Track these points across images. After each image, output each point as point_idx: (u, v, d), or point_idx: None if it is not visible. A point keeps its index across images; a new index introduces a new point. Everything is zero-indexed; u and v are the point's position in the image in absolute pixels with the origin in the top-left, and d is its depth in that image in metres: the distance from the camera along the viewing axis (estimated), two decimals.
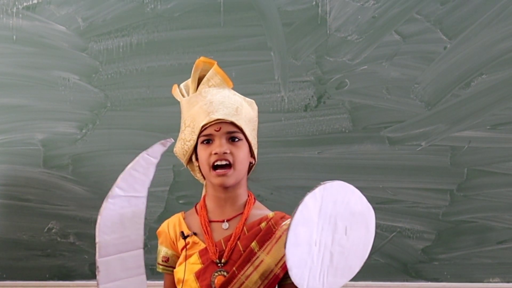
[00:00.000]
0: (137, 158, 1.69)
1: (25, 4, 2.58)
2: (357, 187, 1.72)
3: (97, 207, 2.55)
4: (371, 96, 2.56)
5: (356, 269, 1.67)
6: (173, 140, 1.80)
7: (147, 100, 2.58)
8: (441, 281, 2.56)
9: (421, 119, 2.55)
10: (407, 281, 2.55)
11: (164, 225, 1.93)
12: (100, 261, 1.63)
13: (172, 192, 2.57)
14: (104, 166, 2.58)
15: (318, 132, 2.56)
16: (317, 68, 2.56)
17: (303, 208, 1.58)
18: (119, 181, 1.67)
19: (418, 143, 2.55)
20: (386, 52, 2.55)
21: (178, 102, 2.63)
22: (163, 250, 1.92)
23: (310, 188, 1.61)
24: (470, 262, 2.56)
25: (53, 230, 2.57)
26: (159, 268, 1.94)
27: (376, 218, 2.52)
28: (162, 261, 1.92)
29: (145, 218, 2.55)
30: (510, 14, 2.54)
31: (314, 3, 2.56)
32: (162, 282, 2.53)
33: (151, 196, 2.55)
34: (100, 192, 2.58)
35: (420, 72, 2.55)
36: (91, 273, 2.56)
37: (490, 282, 2.56)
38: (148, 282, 2.57)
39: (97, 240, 1.64)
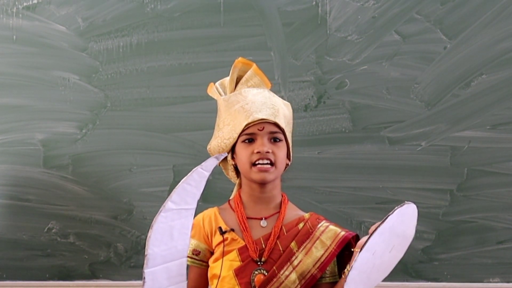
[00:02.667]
0: (191, 173, 1.70)
1: (25, 4, 2.58)
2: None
3: (97, 207, 2.58)
4: (371, 96, 2.56)
5: (375, 283, 1.73)
6: (227, 154, 1.83)
7: (147, 100, 2.58)
8: (441, 281, 2.56)
9: (421, 119, 2.55)
10: (407, 281, 2.55)
11: (199, 218, 1.90)
12: (147, 272, 1.64)
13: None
14: (104, 166, 2.58)
15: (318, 132, 2.56)
16: (317, 68, 2.56)
17: (392, 218, 1.65)
18: (173, 195, 1.67)
19: (418, 143, 2.56)
20: (386, 52, 2.55)
21: (178, 102, 2.63)
22: (193, 243, 1.89)
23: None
24: (470, 262, 2.56)
25: (53, 230, 2.57)
26: (188, 261, 1.91)
27: (376, 218, 2.52)
28: (193, 254, 1.89)
29: (145, 218, 2.57)
30: (510, 14, 2.54)
31: (314, 3, 2.56)
32: None
33: (151, 196, 2.57)
34: (100, 192, 2.58)
35: (420, 72, 2.55)
36: (91, 273, 2.57)
37: (490, 282, 2.56)
38: None
39: (146, 252, 1.64)
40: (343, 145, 2.56)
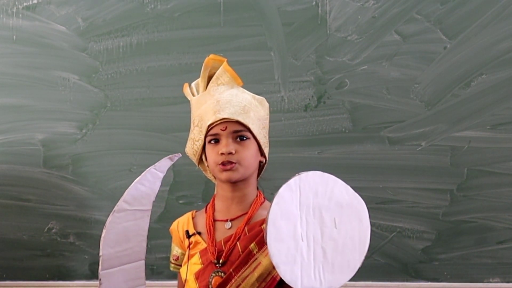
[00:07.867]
0: (144, 173, 1.69)
1: (25, 4, 2.58)
2: (357, 187, 1.70)
3: (97, 207, 2.59)
4: (371, 96, 2.56)
5: (357, 264, 1.60)
6: (181, 155, 1.80)
7: (147, 100, 2.58)
8: (441, 281, 2.56)
9: (421, 119, 2.55)
10: (407, 281, 2.55)
11: (174, 224, 1.92)
12: (102, 273, 1.63)
13: (172, 192, 2.57)
14: (104, 166, 2.58)
15: (318, 132, 2.56)
16: (317, 68, 2.56)
17: (278, 200, 1.52)
18: (126, 195, 1.67)
19: (418, 143, 2.55)
20: (386, 52, 2.55)
21: (178, 102, 2.63)
22: (174, 249, 1.91)
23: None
24: (470, 262, 2.56)
25: (53, 230, 2.57)
26: (171, 267, 1.93)
27: (376, 218, 2.54)
28: (173, 259, 1.91)
29: None
30: (510, 14, 2.54)
31: (314, 3, 2.56)
32: (161, 282, 2.54)
33: None
34: (100, 192, 2.58)
35: (420, 72, 2.55)
36: (91, 273, 2.57)
37: (490, 282, 2.56)
38: (148, 282, 2.58)
39: (101, 253, 1.63)
40: (343, 145, 2.56)
